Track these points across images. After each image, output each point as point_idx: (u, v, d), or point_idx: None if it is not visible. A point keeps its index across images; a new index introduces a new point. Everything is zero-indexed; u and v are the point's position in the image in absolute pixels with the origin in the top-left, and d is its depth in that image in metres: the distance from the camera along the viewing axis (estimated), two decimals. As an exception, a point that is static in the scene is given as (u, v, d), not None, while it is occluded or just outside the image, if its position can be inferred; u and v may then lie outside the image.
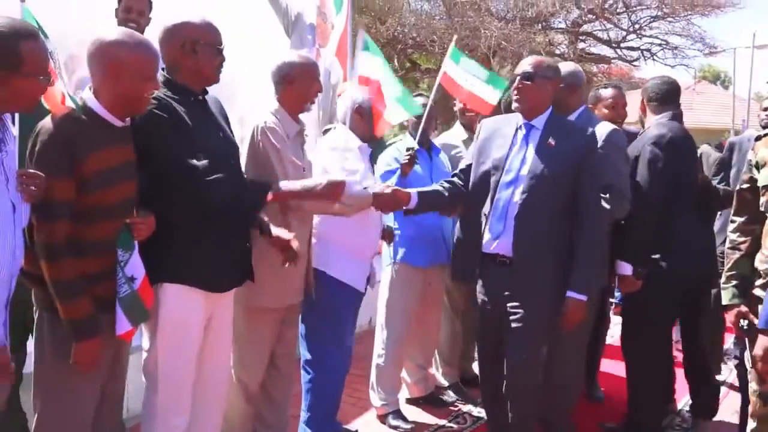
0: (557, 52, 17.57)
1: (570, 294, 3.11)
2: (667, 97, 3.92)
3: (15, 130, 2.25)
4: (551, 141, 3.16)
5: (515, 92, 3.21)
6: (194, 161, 2.57)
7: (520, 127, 3.25)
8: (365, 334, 5.07)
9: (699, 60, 23.63)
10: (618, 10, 16.63)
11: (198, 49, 2.64)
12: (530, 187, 3.11)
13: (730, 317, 2.95)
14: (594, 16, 16.30)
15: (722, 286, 2.97)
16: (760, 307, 2.69)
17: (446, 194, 3.42)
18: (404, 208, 3.36)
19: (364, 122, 3.62)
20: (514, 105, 3.24)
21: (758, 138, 2.98)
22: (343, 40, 5.88)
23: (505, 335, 3.20)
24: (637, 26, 17.10)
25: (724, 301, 2.96)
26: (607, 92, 4.32)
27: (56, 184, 2.22)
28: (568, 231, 3.14)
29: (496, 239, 3.17)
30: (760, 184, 2.85)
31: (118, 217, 2.35)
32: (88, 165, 2.29)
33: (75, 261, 2.29)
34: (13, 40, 2.02)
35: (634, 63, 17.99)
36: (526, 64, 3.23)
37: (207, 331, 2.76)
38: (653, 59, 17.76)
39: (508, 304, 3.16)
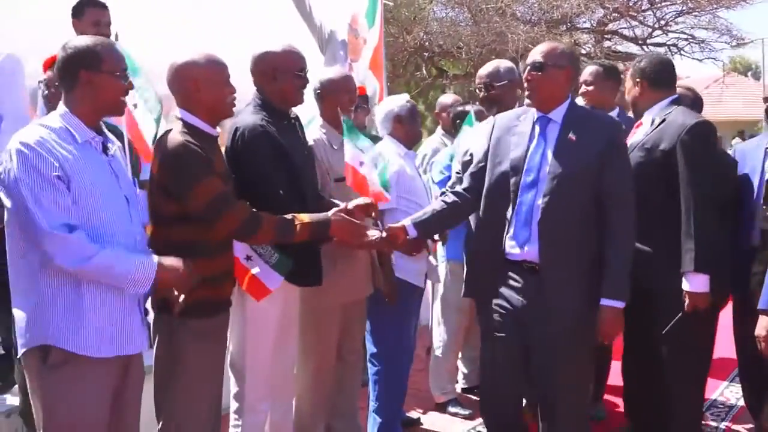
0: (583, 51, 17.53)
1: (605, 302, 2.86)
2: (671, 77, 3.49)
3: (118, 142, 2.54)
4: (571, 136, 2.91)
5: (526, 84, 3.00)
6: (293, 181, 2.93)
7: (537, 121, 3.00)
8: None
9: (727, 52, 23.43)
10: (643, 7, 16.55)
11: (278, 75, 2.91)
12: (552, 190, 2.87)
13: (761, 325, 2.91)
14: (619, 15, 16.25)
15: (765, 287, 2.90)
16: None
17: (449, 211, 3.18)
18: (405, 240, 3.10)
19: (405, 129, 3.83)
20: (526, 99, 3.07)
21: None
22: (377, 53, 6.08)
23: (535, 347, 2.94)
24: (662, 22, 16.96)
25: (760, 305, 2.91)
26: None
27: (212, 181, 2.54)
28: (598, 235, 2.90)
29: (522, 246, 2.94)
30: None
31: None
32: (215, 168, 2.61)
33: (208, 261, 2.58)
34: (92, 43, 2.35)
35: (662, 59, 17.86)
36: (536, 53, 2.99)
37: (279, 324, 3.01)
38: (680, 54, 17.60)
39: (535, 314, 2.92)
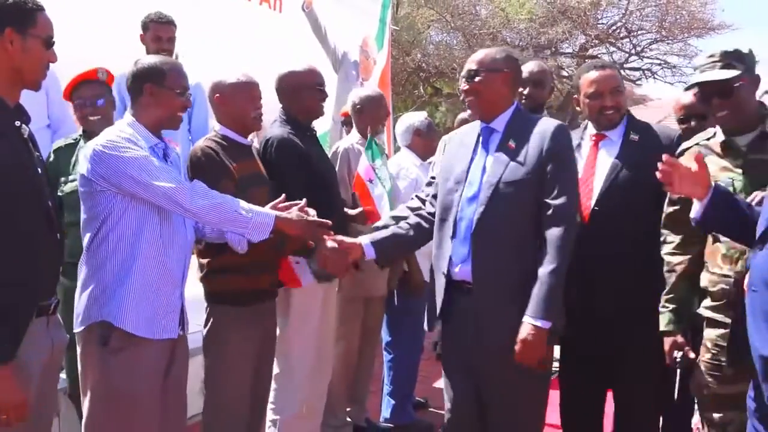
0: (565, 74, 17.77)
1: (527, 319, 2.40)
2: None
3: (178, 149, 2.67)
4: (510, 143, 2.53)
5: (464, 95, 2.63)
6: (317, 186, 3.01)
7: (481, 132, 2.65)
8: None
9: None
10: (621, 35, 16.81)
11: (302, 91, 3.08)
12: (487, 200, 2.48)
13: (665, 345, 2.53)
14: (599, 41, 16.51)
15: (660, 311, 2.55)
16: (710, 331, 2.40)
17: (411, 234, 2.78)
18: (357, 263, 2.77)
19: (423, 143, 4.01)
20: (468, 111, 2.83)
21: (681, 153, 2.56)
22: (385, 74, 6.27)
23: (480, 378, 2.54)
24: (638, 48, 17.23)
25: (661, 327, 2.54)
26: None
27: (225, 185, 2.64)
28: (533, 244, 2.47)
29: (459, 264, 2.54)
30: None
31: None
32: (233, 172, 2.72)
33: (242, 254, 2.66)
34: (159, 62, 2.48)
35: (637, 82, 18.11)
36: (470, 62, 2.61)
37: (321, 313, 3.17)
38: (654, 78, 17.88)
39: (472, 339, 2.52)
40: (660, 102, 18.38)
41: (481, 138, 2.63)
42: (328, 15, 5.83)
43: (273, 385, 3.03)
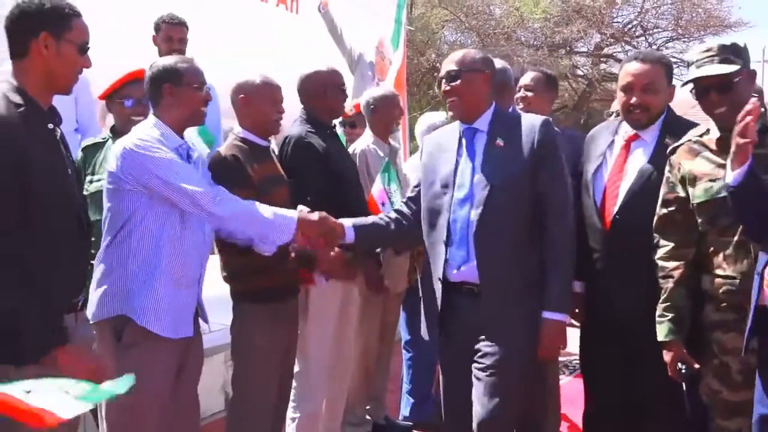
0: (580, 73, 17.73)
1: (547, 315, 2.44)
2: None
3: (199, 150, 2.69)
4: (499, 141, 2.51)
5: (444, 96, 2.60)
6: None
7: (463, 133, 2.60)
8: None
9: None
10: (636, 34, 16.74)
11: (327, 91, 3.09)
12: (485, 200, 2.46)
13: (666, 357, 2.40)
14: (614, 40, 16.45)
15: (657, 320, 2.41)
16: (717, 335, 2.31)
17: (392, 227, 2.76)
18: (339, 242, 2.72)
19: None
20: (449, 113, 2.67)
21: (673, 151, 2.46)
22: (400, 74, 6.28)
23: (475, 376, 2.51)
24: (654, 47, 17.15)
25: (660, 338, 2.40)
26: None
27: (241, 192, 2.60)
28: (535, 239, 2.49)
29: (459, 267, 2.51)
30: (695, 201, 2.35)
31: None
32: (254, 175, 2.73)
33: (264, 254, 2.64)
34: (174, 61, 2.51)
35: (653, 80, 18.02)
36: (449, 63, 2.58)
37: (339, 313, 3.17)
38: (670, 76, 17.81)
39: (479, 341, 2.49)
40: (677, 101, 18.27)
41: (463, 140, 2.58)
42: (344, 16, 5.85)
43: (293, 383, 3.05)
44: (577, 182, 2.74)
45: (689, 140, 2.43)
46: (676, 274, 2.39)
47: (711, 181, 2.31)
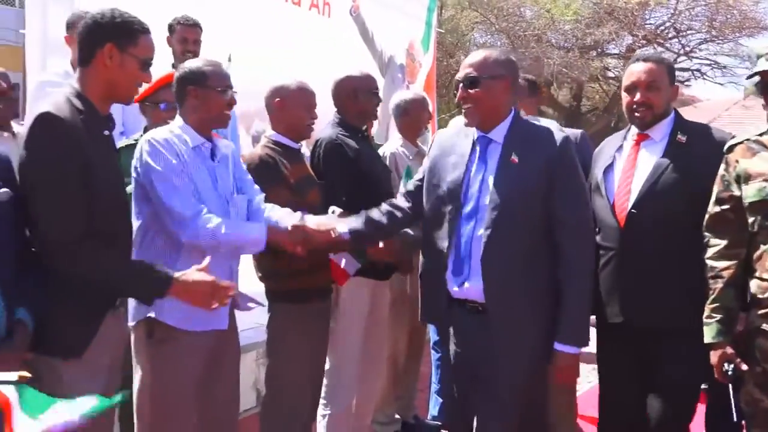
0: (612, 75, 17.55)
1: (559, 347, 2.34)
2: None
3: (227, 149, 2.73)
4: (514, 157, 2.34)
5: (461, 102, 2.42)
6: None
7: (477, 140, 2.44)
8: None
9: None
10: (669, 35, 16.53)
11: (359, 95, 3.14)
12: (494, 221, 2.31)
13: (713, 358, 2.35)
14: (647, 41, 16.24)
15: (705, 321, 2.36)
16: (762, 342, 2.24)
17: (387, 222, 2.65)
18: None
19: None
20: (464, 119, 2.48)
21: (730, 149, 2.41)
22: (430, 76, 6.30)
23: (478, 391, 2.44)
24: (687, 48, 16.95)
25: (707, 339, 2.35)
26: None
27: (276, 189, 2.72)
28: (549, 265, 2.36)
29: (462, 283, 2.40)
30: (747, 200, 2.31)
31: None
32: (289, 176, 2.81)
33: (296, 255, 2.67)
34: (200, 64, 2.54)
35: (686, 83, 17.77)
36: (467, 66, 2.39)
37: (369, 314, 3.21)
38: (703, 78, 17.55)
39: (483, 358, 2.40)
40: (709, 103, 18.00)
41: (477, 147, 2.42)
42: (375, 19, 5.90)
43: (324, 381, 3.10)
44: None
45: (747, 139, 2.38)
46: (726, 274, 2.33)
47: (765, 181, 2.27)
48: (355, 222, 2.63)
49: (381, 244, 2.82)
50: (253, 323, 3.31)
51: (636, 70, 2.63)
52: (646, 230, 2.53)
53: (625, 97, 2.68)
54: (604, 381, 2.79)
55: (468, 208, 2.38)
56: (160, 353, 2.39)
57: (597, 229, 2.63)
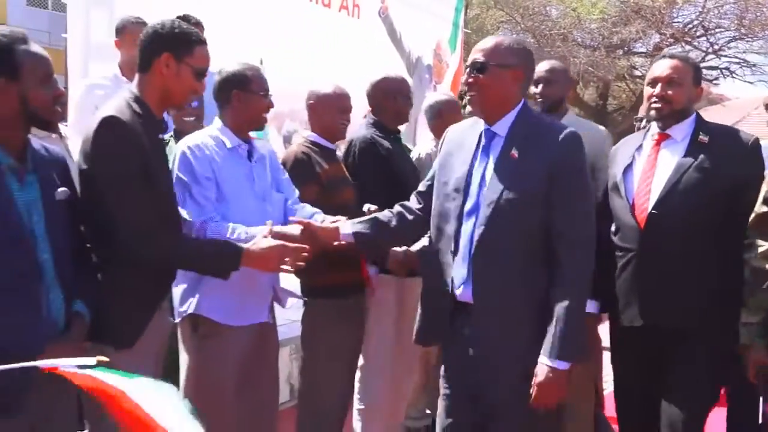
0: (638, 73, 17.40)
1: (543, 360, 2.15)
2: None
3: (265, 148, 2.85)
4: (514, 152, 2.22)
5: (466, 88, 2.33)
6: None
7: (483, 133, 2.32)
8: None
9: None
10: (697, 34, 16.35)
11: (397, 97, 3.23)
12: (488, 219, 2.19)
13: (749, 360, 2.35)
14: (674, 40, 16.08)
15: (742, 322, 2.35)
16: None
17: (394, 223, 2.53)
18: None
19: None
20: (469, 107, 2.40)
21: None
22: (457, 77, 6.35)
23: (482, 412, 2.28)
24: (716, 47, 16.74)
25: (744, 341, 2.34)
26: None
27: (309, 187, 2.83)
28: (545, 270, 2.21)
29: (461, 285, 2.28)
30: None
31: (349, 216, 2.79)
32: (323, 175, 2.93)
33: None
34: (243, 68, 2.66)
35: (714, 81, 17.56)
36: (477, 51, 2.26)
37: (398, 313, 3.29)
38: (732, 77, 17.32)
39: (476, 369, 2.28)
40: (738, 102, 17.79)
41: (482, 141, 2.32)
42: (403, 20, 5.96)
43: (357, 375, 3.18)
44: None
45: None
46: None
47: None
48: (361, 224, 2.53)
49: (398, 252, 2.87)
50: (286, 319, 3.40)
51: (660, 66, 2.65)
52: (666, 231, 2.50)
53: (646, 91, 2.68)
54: (619, 383, 2.78)
55: (469, 205, 2.28)
56: (205, 347, 2.51)
57: (615, 230, 2.64)
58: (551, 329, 2.14)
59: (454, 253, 2.28)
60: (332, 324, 2.92)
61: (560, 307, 2.14)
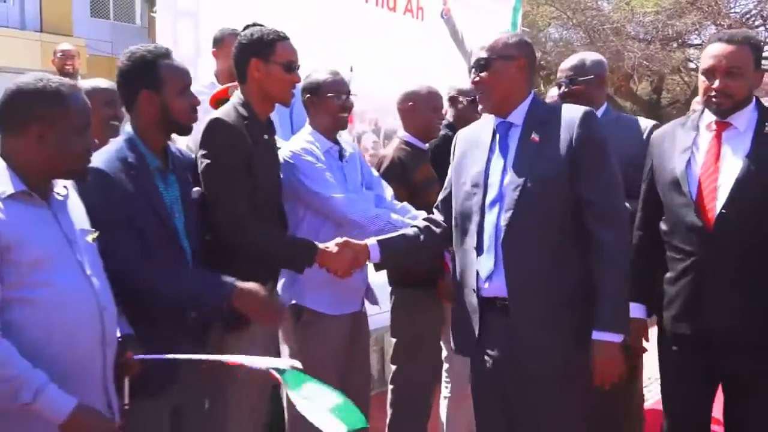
0: (693, 66, 17.09)
1: (598, 336, 2.17)
2: None
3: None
4: (534, 136, 2.28)
5: (474, 88, 2.41)
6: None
7: (497, 127, 2.39)
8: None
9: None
10: (756, 24, 15.96)
11: (462, 99, 3.39)
12: (515, 203, 2.22)
13: None
14: (731, 31, 15.73)
15: None
16: None
17: (422, 237, 2.54)
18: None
19: None
20: (480, 106, 2.46)
21: None
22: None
23: (515, 406, 2.29)
24: (775, 37, 16.30)
25: None
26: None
27: (397, 188, 3.02)
28: (582, 261, 2.23)
29: (488, 279, 2.29)
30: None
31: None
32: (416, 176, 3.11)
33: None
34: (317, 75, 2.83)
35: (774, 71, 17.10)
36: (479, 50, 2.37)
37: None
38: (793, 67, 16.86)
39: (510, 363, 2.27)
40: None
41: (497, 135, 2.36)
42: (465, 21, 6.07)
43: (444, 365, 3.34)
44: (632, 176, 2.54)
45: None
46: None
47: None
48: (389, 240, 2.55)
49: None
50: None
51: (716, 53, 2.40)
52: (736, 233, 2.34)
53: (702, 81, 2.45)
54: (668, 393, 2.61)
55: (492, 196, 2.30)
56: (307, 335, 2.70)
57: (669, 230, 2.48)
58: (600, 303, 2.16)
59: (478, 249, 2.30)
60: (419, 311, 3.09)
61: (605, 281, 2.17)
